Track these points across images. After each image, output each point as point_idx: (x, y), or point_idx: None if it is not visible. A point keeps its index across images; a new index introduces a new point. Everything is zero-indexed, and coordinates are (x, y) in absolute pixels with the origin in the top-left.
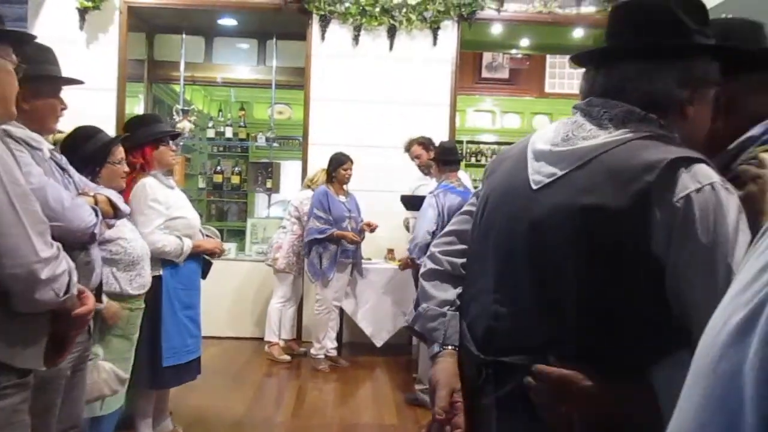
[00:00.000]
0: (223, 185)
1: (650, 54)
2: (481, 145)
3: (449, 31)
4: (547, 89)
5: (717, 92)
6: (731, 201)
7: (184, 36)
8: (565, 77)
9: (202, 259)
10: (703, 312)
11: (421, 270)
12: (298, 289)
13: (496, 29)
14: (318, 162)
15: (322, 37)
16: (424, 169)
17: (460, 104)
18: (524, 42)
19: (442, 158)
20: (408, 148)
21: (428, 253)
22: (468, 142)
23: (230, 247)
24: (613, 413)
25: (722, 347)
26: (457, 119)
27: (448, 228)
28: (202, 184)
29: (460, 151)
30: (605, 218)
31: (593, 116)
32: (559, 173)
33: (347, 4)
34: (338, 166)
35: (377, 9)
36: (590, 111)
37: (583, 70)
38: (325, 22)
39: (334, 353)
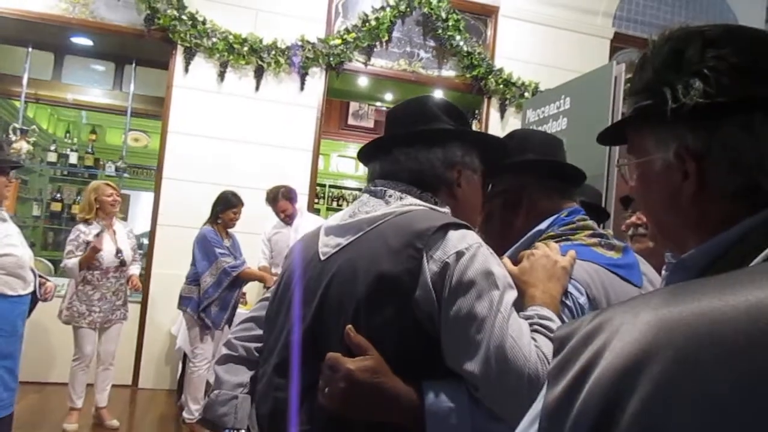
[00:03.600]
0: (62, 214)
1: (413, 139)
2: (344, 190)
3: (317, 79)
4: None
5: (519, 195)
6: (496, 260)
7: (30, 50)
8: None
9: (31, 298)
10: (480, 354)
11: (216, 357)
12: (86, 343)
13: (363, 81)
14: (171, 197)
15: (186, 69)
16: (288, 219)
17: (326, 148)
18: (389, 96)
19: None
20: (273, 201)
21: (224, 341)
22: (331, 186)
23: (64, 282)
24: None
25: None
26: (322, 163)
27: (247, 314)
28: (36, 212)
29: (322, 195)
30: (384, 281)
31: (377, 195)
32: (344, 243)
33: (214, 40)
34: (227, 208)
35: (245, 48)
36: (375, 191)
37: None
38: (189, 55)
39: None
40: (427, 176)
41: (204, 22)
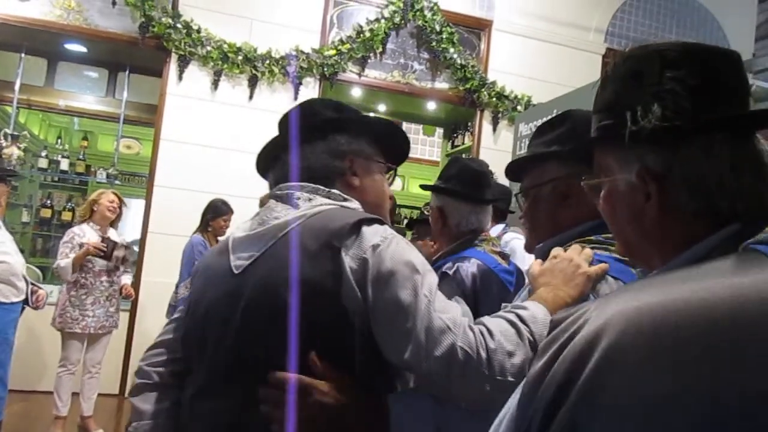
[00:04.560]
0: (51, 220)
1: (294, 139)
2: None
3: (311, 88)
4: None
5: (568, 186)
6: (413, 249)
7: (23, 55)
8: (419, 143)
9: (21, 306)
10: (412, 341)
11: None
12: (73, 349)
13: (357, 92)
14: (163, 204)
15: (180, 77)
16: None
17: None
18: (382, 107)
19: None
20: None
21: (136, 369)
22: None
23: (53, 289)
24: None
25: None
26: None
27: (156, 339)
28: (26, 218)
29: None
30: (307, 287)
31: (284, 199)
32: (258, 253)
33: (209, 48)
34: (218, 215)
35: (240, 57)
36: (281, 196)
37: (435, 137)
38: (183, 63)
39: None
40: (316, 171)
41: (198, 31)
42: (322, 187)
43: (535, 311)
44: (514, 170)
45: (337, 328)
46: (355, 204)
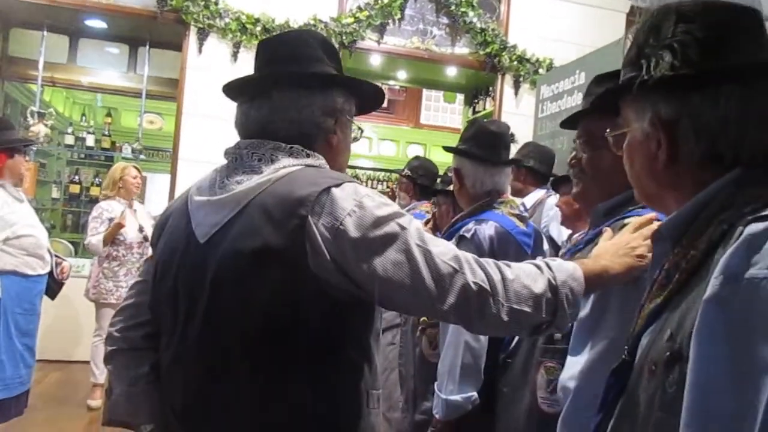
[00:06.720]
0: (80, 196)
1: (297, 82)
2: (358, 170)
3: None
4: (423, 120)
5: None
6: (386, 201)
7: (45, 33)
8: (439, 110)
9: (50, 278)
10: (423, 296)
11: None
12: (108, 319)
13: (376, 60)
14: (188, 178)
15: (199, 50)
16: None
17: None
18: (402, 74)
19: None
20: None
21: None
22: None
23: (84, 263)
24: None
25: None
26: None
27: (124, 303)
28: (56, 194)
29: None
30: (271, 257)
31: (244, 160)
32: (223, 221)
33: (227, 20)
34: None
35: (258, 28)
36: (240, 154)
37: (455, 104)
38: (203, 35)
39: None
40: (305, 126)
41: (216, 3)
42: (283, 145)
43: (564, 263)
44: (573, 120)
45: (308, 298)
46: (319, 161)
